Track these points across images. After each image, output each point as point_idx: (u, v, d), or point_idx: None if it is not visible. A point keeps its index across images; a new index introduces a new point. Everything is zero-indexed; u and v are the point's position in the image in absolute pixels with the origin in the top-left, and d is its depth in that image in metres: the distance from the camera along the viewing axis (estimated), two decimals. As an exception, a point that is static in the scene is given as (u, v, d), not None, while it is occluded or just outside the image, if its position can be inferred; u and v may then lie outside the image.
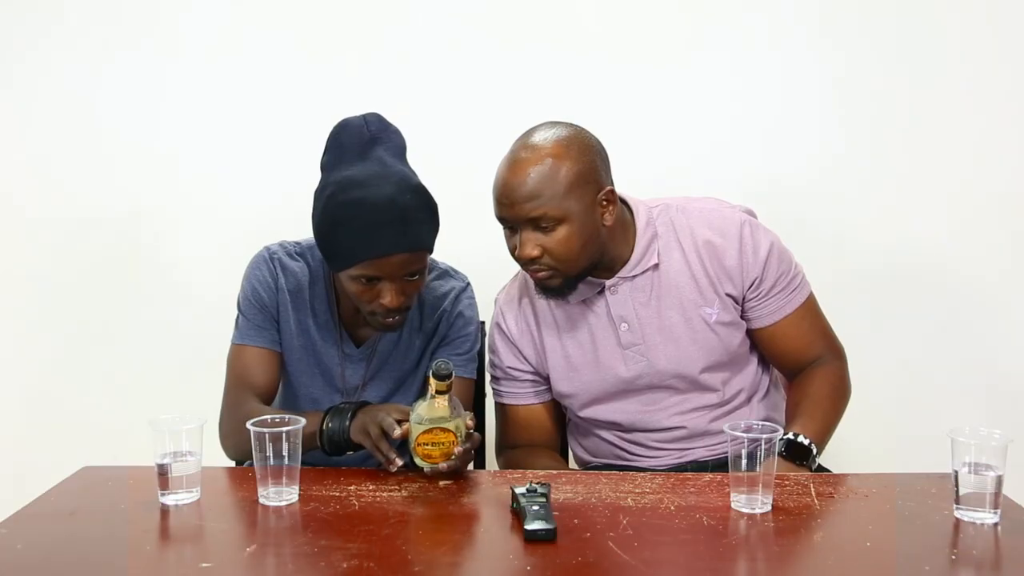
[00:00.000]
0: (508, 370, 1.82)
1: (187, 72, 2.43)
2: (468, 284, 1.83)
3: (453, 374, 1.47)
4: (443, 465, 1.48)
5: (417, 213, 1.58)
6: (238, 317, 1.75)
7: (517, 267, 1.88)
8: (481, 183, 2.24)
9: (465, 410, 1.54)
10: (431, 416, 1.47)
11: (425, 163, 2.33)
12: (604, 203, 1.64)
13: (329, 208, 1.57)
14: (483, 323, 1.95)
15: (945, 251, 2.35)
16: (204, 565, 1.24)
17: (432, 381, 1.46)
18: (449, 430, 1.47)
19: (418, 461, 1.49)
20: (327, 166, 1.62)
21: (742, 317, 1.75)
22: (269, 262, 1.74)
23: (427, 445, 1.48)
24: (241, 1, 2.41)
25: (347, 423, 1.55)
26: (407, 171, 1.62)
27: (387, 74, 2.38)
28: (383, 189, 1.55)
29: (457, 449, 1.48)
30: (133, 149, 2.44)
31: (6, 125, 2.46)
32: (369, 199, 1.54)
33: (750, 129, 2.35)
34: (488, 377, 1.92)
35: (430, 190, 1.64)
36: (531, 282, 1.75)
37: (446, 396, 1.48)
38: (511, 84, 2.37)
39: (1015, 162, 2.32)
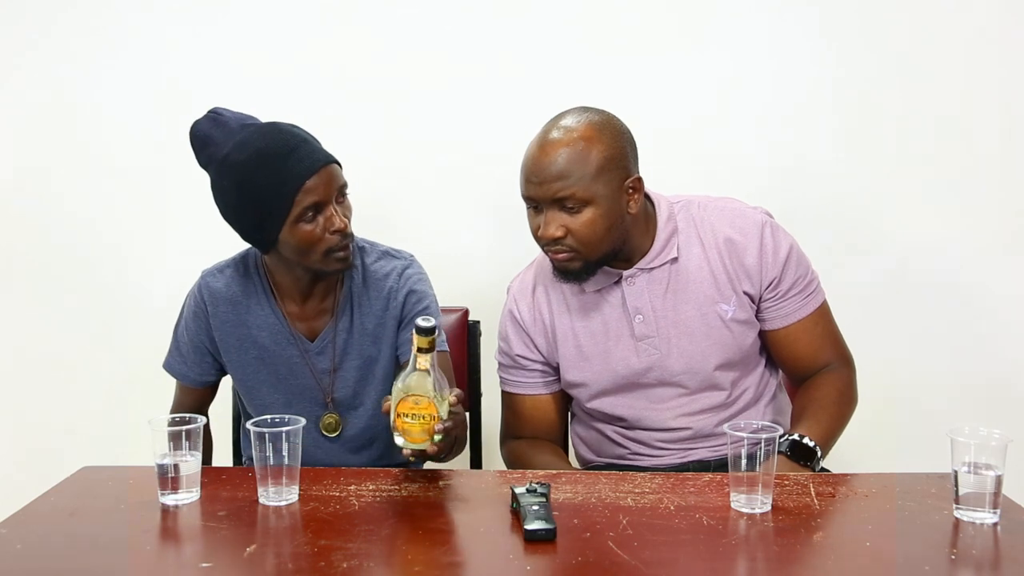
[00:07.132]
0: (517, 358, 1.82)
1: (167, 70, 2.42)
2: (412, 261, 1.82)
3: (437, 330, 1.38)
4: (427, 446, 1.40)
5: (308, 135, 1.65)
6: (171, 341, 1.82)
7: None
8: (482, 185, 2.24)
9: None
10: (409, 384, 1.39)
11: (426, 164, 2.34)
12: (630, 190, 1.65)
13: (242, 180, 1.60)
14: (468, 310, 1.97)
15: (945, 251, 2.34)
16: (204, 565, 1.25)
17: (415, 337, 1.37)
18: (430, 400, 1.38)
19: (397, 439, 1.41)
20: (210, 160, 1.65)
21: (757, 317, 1.75)
22: (197, 295, 1.78)
23: (407, 417, 1.38)
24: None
25: None
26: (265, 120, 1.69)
27: (385, 74, 2.38)
28: (269, 134, 1.62)
29: (438, 426, 1.39)
30: (129, 146, 2.44)
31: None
32: (267, 146, 1.60)
33: (752, 133, 2.35)
34: (496, 365, 1.88)
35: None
36: (546, 270, 1.75)
37: (428, 357, 1.38)
38: (515, 85, 2.35)
39: (1016, 163, 2.31)
